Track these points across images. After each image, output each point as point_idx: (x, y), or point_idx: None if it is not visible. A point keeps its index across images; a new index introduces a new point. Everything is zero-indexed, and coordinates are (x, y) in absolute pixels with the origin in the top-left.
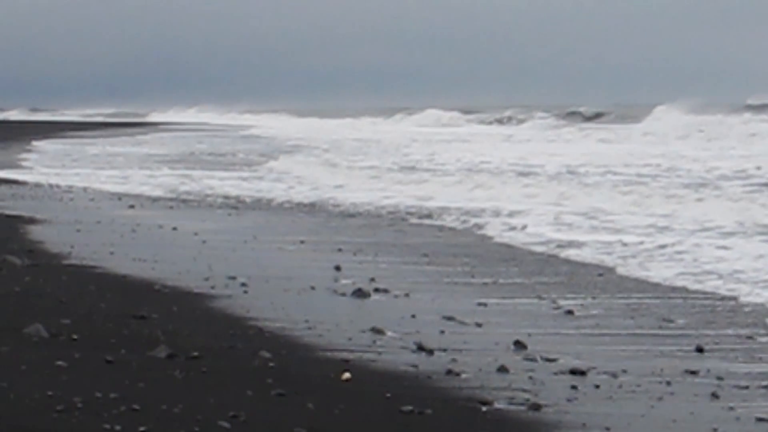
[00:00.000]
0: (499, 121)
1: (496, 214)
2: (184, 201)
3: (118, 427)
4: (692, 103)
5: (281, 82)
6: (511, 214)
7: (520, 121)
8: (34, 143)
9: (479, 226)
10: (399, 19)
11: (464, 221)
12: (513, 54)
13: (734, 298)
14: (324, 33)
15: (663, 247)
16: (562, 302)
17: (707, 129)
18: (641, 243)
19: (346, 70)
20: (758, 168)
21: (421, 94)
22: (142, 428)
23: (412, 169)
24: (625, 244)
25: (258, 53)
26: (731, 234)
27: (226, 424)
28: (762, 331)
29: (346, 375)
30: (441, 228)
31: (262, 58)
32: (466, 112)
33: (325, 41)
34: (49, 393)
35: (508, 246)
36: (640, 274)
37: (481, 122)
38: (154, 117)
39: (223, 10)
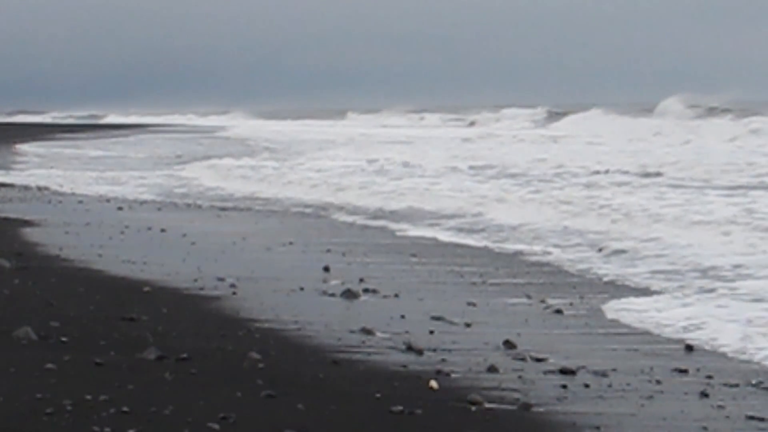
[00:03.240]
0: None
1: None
2: (173, 203)
3: (107, 430)
4: (628, 103)
5: (254, 84)
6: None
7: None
8: (19, 146)
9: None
10: (381, 20)
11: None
12: (490, 53)
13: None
14: (296, 34)
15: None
16: (551, 302)
17: (614, 131)
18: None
19: (313, 71)
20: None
21: (406, 93)
22: (131, 430)
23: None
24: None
25: (231, 55)
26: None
27: (215, 426)
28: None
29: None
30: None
31: (235, 60)
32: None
33: (298, 42)
34: (38, 396)
35: (486, 249)
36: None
37: (443, 121)
38: (132, 119)
39: (199, 13)
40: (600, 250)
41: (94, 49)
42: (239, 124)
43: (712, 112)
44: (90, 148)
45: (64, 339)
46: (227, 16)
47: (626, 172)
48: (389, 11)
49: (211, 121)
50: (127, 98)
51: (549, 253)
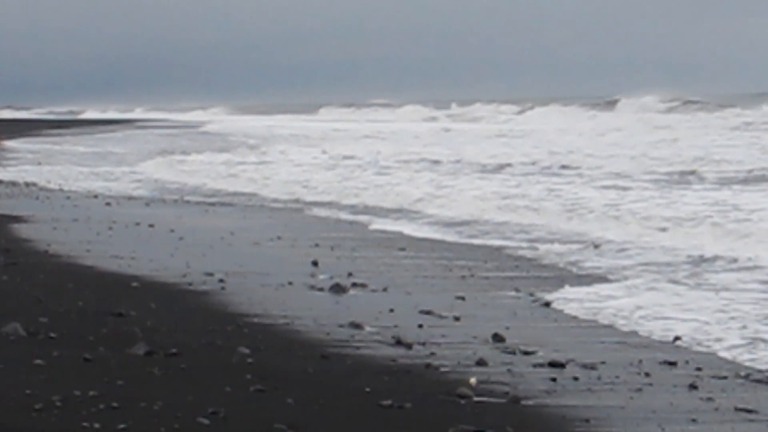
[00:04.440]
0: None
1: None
2: (162, 198)
3: (97, 425)
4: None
5: (234, 79)
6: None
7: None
8: (6, 143)
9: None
10: (368, 13)
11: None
12: (477, 47)
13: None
14: (276, 29)
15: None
16: (539, 295)
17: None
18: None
19: (292, 66)
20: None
21: (394, 87)
22: (121, 426)
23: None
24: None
25: (211, 50)
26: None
27: (205, 421)
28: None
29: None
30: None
31: (215, 56)
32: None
33: (278, 38)
34: (28, 392)
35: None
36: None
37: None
38: (111, 115)
39: (178, 9)
40: (596, 246)
41: (71, 45)
42: (220, 120)
43: (671, 105)
44: (80, 144)
45: (52, 335)
46: (207, 11)
47: (595, 168)
48: (371, 6)
49: (193, 116)
50: (104, 94)
51: (535, 248)
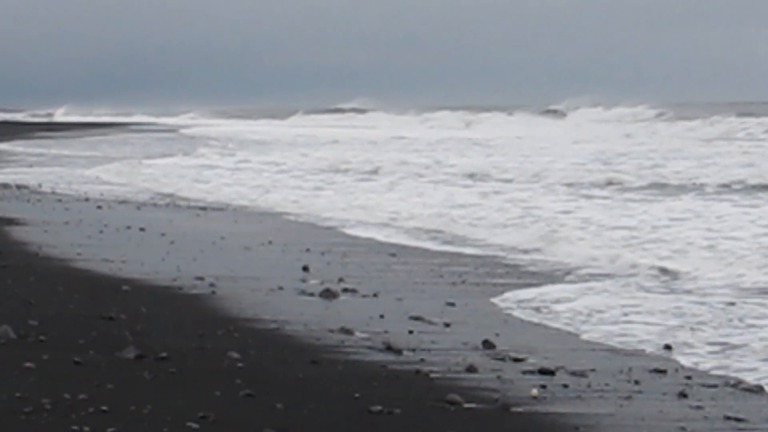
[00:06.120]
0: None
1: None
2: (153, 202)
3: (86, 429)
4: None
5: (216, 83)
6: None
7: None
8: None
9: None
10: (350, 21)
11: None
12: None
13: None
14: (259, 34)
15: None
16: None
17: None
18: None
19: (274, 71)
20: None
21: (377, 93)
22: (110, 429)
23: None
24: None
25: (195, 53)
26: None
27: (195, 425)
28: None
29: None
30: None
31: (198, 58)
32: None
33: (260, 42)
34: (18, 394)
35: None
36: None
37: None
38: (90, 118)
39: (159, 10)
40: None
41: (51, 49)
42: (202, 124)
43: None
44: (74, 147)
45: (42, 338)
46: (188, 15)
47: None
48: (354, 12)
49: (179, 120)
50: (87, 98)
51: (527, 256)
